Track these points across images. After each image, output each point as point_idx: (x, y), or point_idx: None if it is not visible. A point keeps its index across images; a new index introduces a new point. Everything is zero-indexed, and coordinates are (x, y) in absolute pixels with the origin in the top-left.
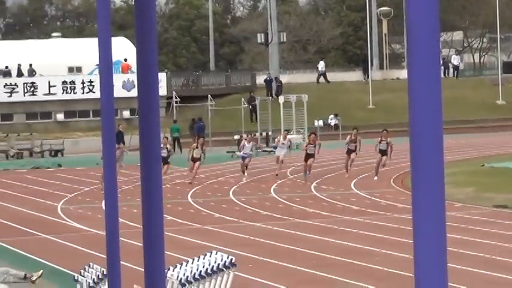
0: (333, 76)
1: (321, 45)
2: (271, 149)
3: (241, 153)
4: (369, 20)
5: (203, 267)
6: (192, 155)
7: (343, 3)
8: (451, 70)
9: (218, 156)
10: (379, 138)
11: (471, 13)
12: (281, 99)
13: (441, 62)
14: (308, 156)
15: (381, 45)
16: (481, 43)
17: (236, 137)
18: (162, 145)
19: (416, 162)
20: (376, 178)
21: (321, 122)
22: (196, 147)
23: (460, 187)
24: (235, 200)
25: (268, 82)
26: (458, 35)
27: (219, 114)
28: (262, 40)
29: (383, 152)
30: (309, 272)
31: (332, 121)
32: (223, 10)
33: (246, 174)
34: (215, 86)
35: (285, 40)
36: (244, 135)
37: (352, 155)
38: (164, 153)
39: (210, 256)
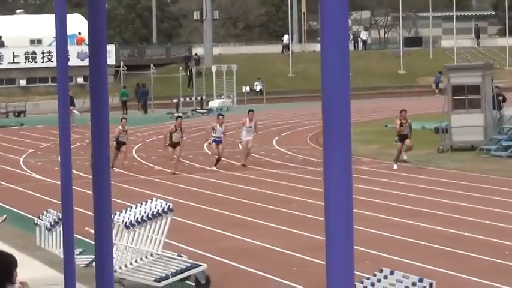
0: (258, 49)
1: (249, 22)
2: (205, 111)
3: (213, 137)
4: (290, 1)
5: (145, 212)
6: (171, 140)
7: None
8: (360, 44)
9: (159, 117)
10: (399, 121)
11: None
12: (213, 68)
13: (351, 37)
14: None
15: (300, 23)
16: (385, 21)
17: (175, 100)
18: (120, 127)
19: (328, 122)
20: (396, 167)
21: (248, 88)
22: (175, 130)
23: (366, 144)
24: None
25: (187, 58)
26: (366, 14)
27: (160, 81)
28: (198, 17)
29: (405, 137)
30: (237, 216)
31: (257, 87)
32: None
33: (215, 166)
34: (157, 57)
35: (217, 17)
36: (220, 117)
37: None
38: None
39: (151, 203)
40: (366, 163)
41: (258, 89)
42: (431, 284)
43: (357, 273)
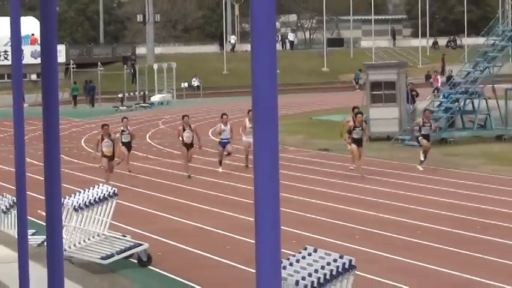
0: (195, 48)
1: (187, 24)
2: (147, 105)
3: (220, 138)
4: (224, 5)
5: (92, 196)
6: (183, 140)
7: None
8: (288, 44)
9: (105, 110)
10: (421, 120)
11: (303, 0)
12: (155, 66)
13: (279, 38)
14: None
15: (234, 25)
16: (310, 23)
17: (120, 95)
18: (123, 127)
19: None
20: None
21: (186, 84)
22: (184, 130)
23: (293, 135)
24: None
25: (125, 58)
26: (293, 17)
27: (107, 77)
28: (141, 20)
29: (427, 137)
30: (175, 200)
31: (194, 83)
32: None
33: (221, 167)
34: (104, 56)
35: (158, 20)
36: (225, 117)
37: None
38: (126, 138)
39: (98, 188)
40: (292, 152)
41: (195, 85)
42: (350, 261)
43: (284, 251)
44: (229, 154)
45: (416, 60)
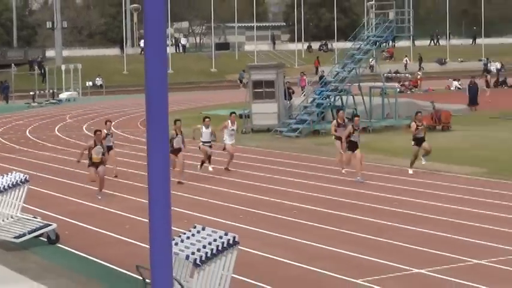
0: (99, 51)
1: (91, 30)
2: (56, 101)
3: (201, 141)
4: (124, 13)
5: (6, 182)
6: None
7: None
8: (180, 48)
9: (19, 106)
10: (414, 124)
11: (194, 8)
12: (63, 67)
13: (173, 42)
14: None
15: (133, 31)
16: (201, 29)
17: (31, 93)
18: (106, 131)
19: (150, 110)
20: (411, 171)
21: (90, 83)
22: (176, 135)
23: (185, 127)
24: (30, 137)
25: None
26: (185, 24)
27: (19, 77)
28: (50, 26)
29: (421, 140)
30: (81, 186)
31: (98, 82)
32: (23, 4)
33: (211, 166)
34: (17, 58)
35: (66, 26)
36: (207, 120)
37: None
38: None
39: (11, 175)
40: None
41: (98, 84)
42: (234, 237)
43: (176, 229)
44: (210, 158)
45: (293, 62)
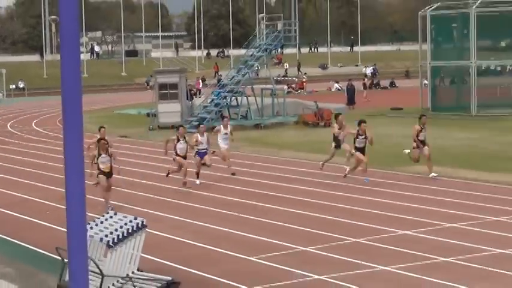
0: (21, 58)
1: (14, 39)
2: None
3: (197, 149)
4: (43, 24)
5: None
6: (177, 153)
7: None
8: (94, 55)
9: None
10: (418, 127)
11: (107, 19)
12: None
13: (89, 49)
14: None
15: (52, 39)
16: (112, 38)
17: None
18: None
19: (66, 109)
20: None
21: (14, 86)
22: (178, 141)
23: (97, 125)
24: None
25: None
26: (99, 33)
27: None
28: None
29: (423, 143)
30: (6, 177)
31: (21, 85)
32: None
33: (198, 180)
34: None
35: None
36: (201, 127)
37: None
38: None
39: None
40: (97, 137)
41: (21, 87)
42: (142, 221)
43: (91, 214)
44: (207, 165)
45: (194, 67)
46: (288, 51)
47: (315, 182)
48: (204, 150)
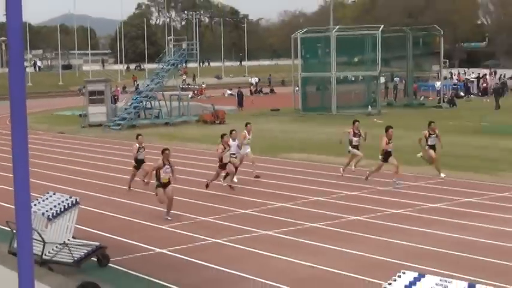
0: None
1: None
2: None
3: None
4: None
5: None
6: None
7: None
8: (37, 68)
9: None
10: (427, 132)
11: (46, 40)
12: None
13: (31, 63)
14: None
15: (2, 56)
16: (51, 55)
17: None
18: (137, 144)
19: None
20: (443, 175)
21: None
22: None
23: (41, 124)
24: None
25: None
26: (40, 51)
27: None
28: None
29: (433, 148)
30: None
31: None
32: None
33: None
34: None
35: None
36: (234, 132)
37: None
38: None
39: None
40: (41, 134)
41: None
42: (76, 199)
43: (35, 195)
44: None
45: (117, 78)
46: (190, 65)
47: (212, 167)
48: (234, 155)
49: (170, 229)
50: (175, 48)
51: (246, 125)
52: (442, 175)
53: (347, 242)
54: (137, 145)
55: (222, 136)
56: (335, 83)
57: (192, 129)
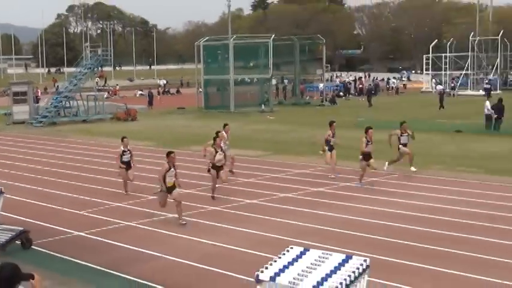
0: None
1: None
2: None
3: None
4: None
5: None
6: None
7: None
8: None
9: None
10: (399, 131)
11: None
12: None
13: None
14: None
15: None
16: None
17: None
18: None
19: None
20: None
21: None
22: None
23: None
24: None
25: None
26: None
27: None
28: None
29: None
30: None
31: None
32: None
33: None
34: None
35: None
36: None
37: None
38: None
39: None
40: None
41: None
42: (1, 189)
43: None
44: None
45: (39, 80)
46: (105, 68)
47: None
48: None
49: (87, 214)
50: (91, 53)
51: (224, 126)
52: (413, 169)
53: (244, 222)
54: (122, 148)
55: (216, 135)
56: (233, 84)
57: (107, 126)
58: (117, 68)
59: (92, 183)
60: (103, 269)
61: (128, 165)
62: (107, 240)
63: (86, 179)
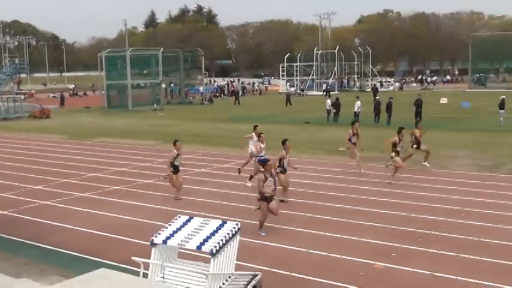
0: None
1: None
2: None
3: (256, 155)
4: None
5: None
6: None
7: None
8: None
9: None
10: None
11: None
12: None
13: None
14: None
15: None
16: None
17: None
18: (175, 150)
19: None
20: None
21: None
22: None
23: None
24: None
25: None
26: None
27: None
28: None
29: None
30: None
31: None
32: None
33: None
34: None
35: None
36: (262, 136)
37: None
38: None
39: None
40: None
41: None
42: None
43: None
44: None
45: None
46: (22, 75)
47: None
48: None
49: (11, 196)
50: (10, 63)
51: (255, 128)
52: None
53: (139, 197)
54: (175, 151)
55: (284, 143)
56: (130, 88)
57: (25, 123)
58: (33, 75)
59: (12, 170)
60: (25, 240)
61: (176, 169)
62: (28, 217)
63: (13, 167)
